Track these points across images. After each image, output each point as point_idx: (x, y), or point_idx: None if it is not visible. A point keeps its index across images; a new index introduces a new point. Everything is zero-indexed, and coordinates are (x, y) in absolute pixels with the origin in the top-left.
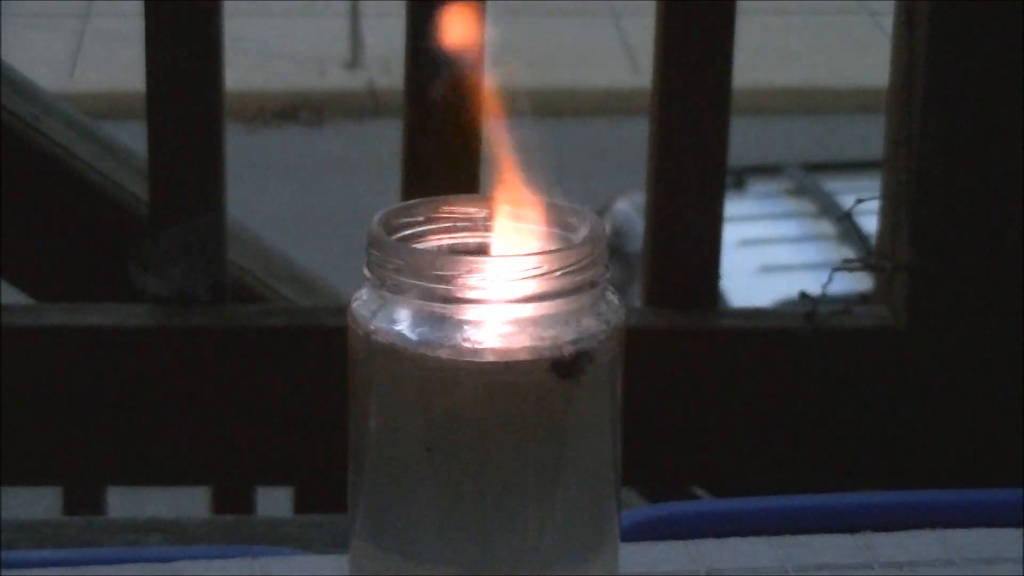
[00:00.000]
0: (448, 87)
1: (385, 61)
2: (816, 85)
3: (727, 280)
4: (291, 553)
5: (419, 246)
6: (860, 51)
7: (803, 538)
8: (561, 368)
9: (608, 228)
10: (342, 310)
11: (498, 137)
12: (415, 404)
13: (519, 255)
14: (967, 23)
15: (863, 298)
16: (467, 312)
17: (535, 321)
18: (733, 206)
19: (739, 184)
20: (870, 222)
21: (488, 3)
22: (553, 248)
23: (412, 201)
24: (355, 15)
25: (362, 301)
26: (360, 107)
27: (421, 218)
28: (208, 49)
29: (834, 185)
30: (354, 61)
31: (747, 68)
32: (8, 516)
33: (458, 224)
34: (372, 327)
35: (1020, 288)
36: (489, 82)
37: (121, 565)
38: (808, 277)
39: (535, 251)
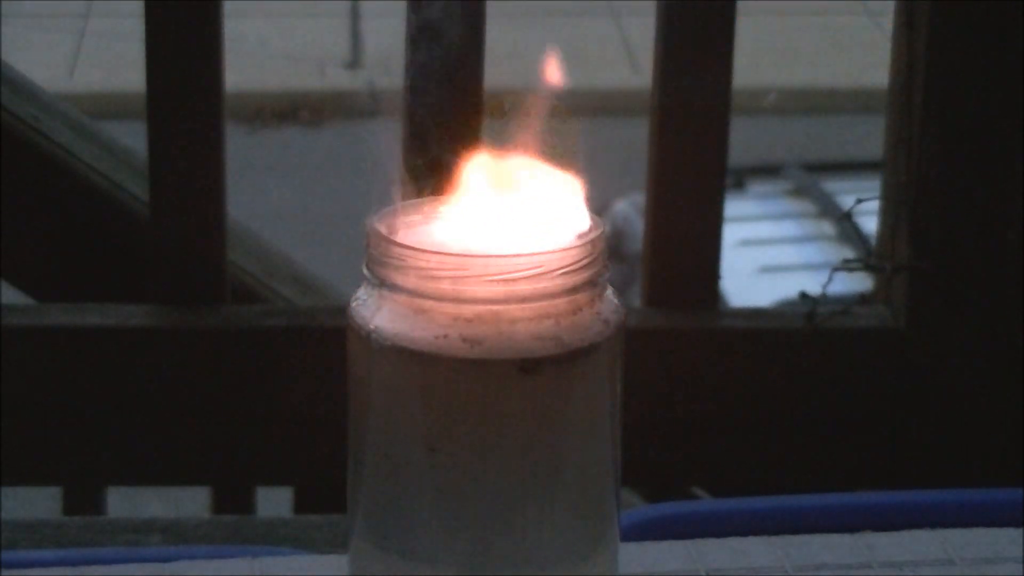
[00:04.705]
0: (448, 86)
1: (385, 61)
2: (816, 85)
3: (727, 280)
4: (291, 553)
5: (419, 245)
6: (860, 51)
7: (803, 538)
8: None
9: (608, 228)
10: (342, 310)
11: (498, 136)
12: (415, 404)
13: (519, 255)
14: (967, 23)
15: (863, 298)
16: (467, 311)
17: (535, 320)
18: (733, 206)
19: (739, 184)
20: (870, 222)
21: (488, 3)
22: (553, 248)
23: (411, 200)
24: (355, 15)
25: (362, 301)
26: (360, 107)
27: (420, 217)
28: (208, 49)
29: (834, 185)
30: (354, 61)
31: (747, 68)
32: (8, 516)
33: (458, 223)
34: (372, 327)
35: (1020, 288)
36: (489, 82)
37: (121, 565)
38: (808, 277)
39: (535, 251)
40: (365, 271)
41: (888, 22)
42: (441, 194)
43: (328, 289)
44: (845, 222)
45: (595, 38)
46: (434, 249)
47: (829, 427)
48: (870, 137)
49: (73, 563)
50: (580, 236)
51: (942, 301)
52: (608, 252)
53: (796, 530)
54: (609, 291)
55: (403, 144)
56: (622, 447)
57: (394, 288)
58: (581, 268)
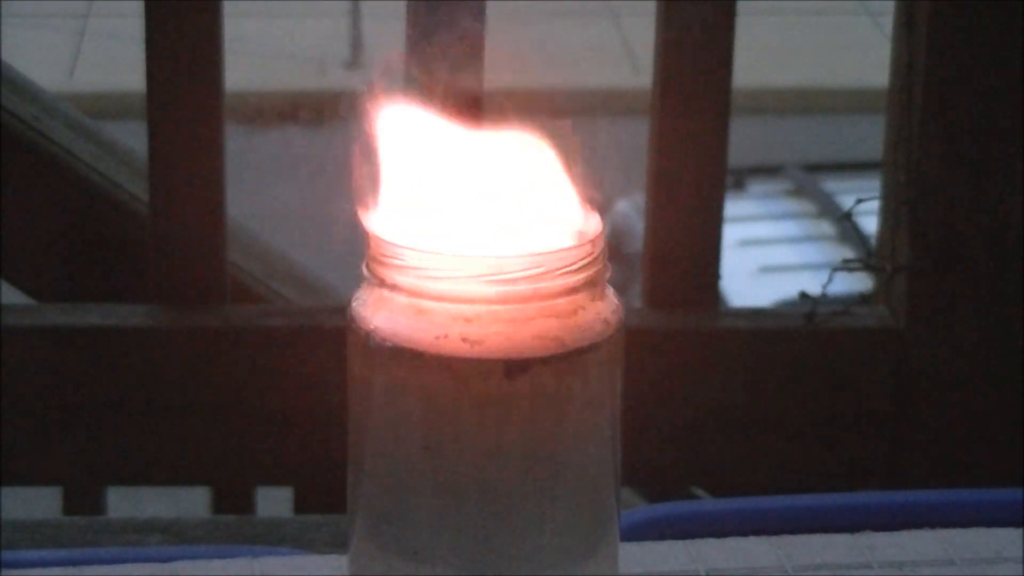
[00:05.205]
0: (448, 87)
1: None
2: (816, 85)
3: (727, 280)
4: (291, 553)
5: (418, 245)
6: (860, 51)
7: (803, 538)
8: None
9: (608, 228)
10: (342, 310)
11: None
12: (415, 404)
13: (519, 255)
14: (967, 23)
15: (863, 298)
16: (467, 311)
17: (535, 320)
18: (733, 206)
19: (739, 184)
20: (870, 222)
21: (488, 3)
22: (553, 248)
23: (411, 200)
24: (355, 15)
25: (362, 301)
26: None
27: (420, 215)
28: (208, 49)
29: (834, 185)
30: (354, 61)
31: (747, 68)
32: (8, 516)
33: (458, 223)
34: (372, 327)
35: (1020, 289)
36: (489, 82)
37: (121, 565)
38: (808, 277)
39: (535, 251)
40: (365, 271)
41: (888, 22)
42: (441, 191)
43: (328, 289)
44: (845, 222)
45: (595, 38)
46: (434, 249)
47: (829, 427)
48: (870, 137)
49: (73, 563)
50: (580, 236)
51: (942, 301)
52: (608, 252)
53: (796, 530)
54: (609, 291)
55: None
56: (622, 447)
57: (394, 288)
58: (581, 268)
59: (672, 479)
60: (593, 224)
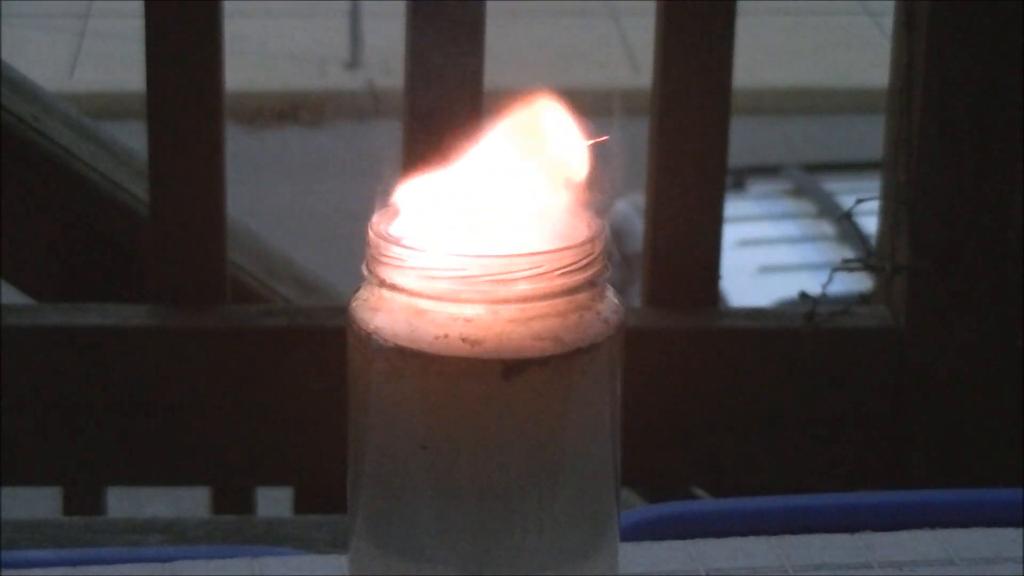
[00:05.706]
0: (448, 86)
1: (385, 61)
2: (816, 85)
3: (727, 280)
4: (291, 553)
5: (419, 245)
6: (860, 51)
7: (803, 538)
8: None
9: (608, 228)
10: (342, 310)
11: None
12: (414, 403)
13: (519, 254)
14: (967, 23)
15: (863, 298)
16: (467, 311)
17: (535, 320)
18: (733, 206)
19: (739, 184)
20: (870, 222)
21: (488, 3)
22: (553, 248)
23: (411, 198)
24: (355, 15)
25: (362, 301)
26: (360, 107)
27: (421, 215)
28: (208, 49)
29: (834, 185)
30: (354, 61)
31: (747, 68)
32: (8, 516)
33: (458, 223)
34: (372, 327)
35: (1020, 288)
36: (489, 82)
37: (121, 565)
38: (808, 277)
39: (535, 251)
40: (365, 271)
41: (888, 22)
42: (441, 192)
43: (328, 289)
44: (845, 222)
45: (595, 38)
46: (434, 249)
47: (829, 427)
48: (870, 137)
49: (73, 563)
50: (580, 236)
51: (942, 301)
52: (608, 252)
53: (796, 530)
54: (609, 291)
55: (403, 145)
56: (622, 447)
57: (394, 288)
58: (581, 268)
59: (672, 479)
60: (593, 224)
